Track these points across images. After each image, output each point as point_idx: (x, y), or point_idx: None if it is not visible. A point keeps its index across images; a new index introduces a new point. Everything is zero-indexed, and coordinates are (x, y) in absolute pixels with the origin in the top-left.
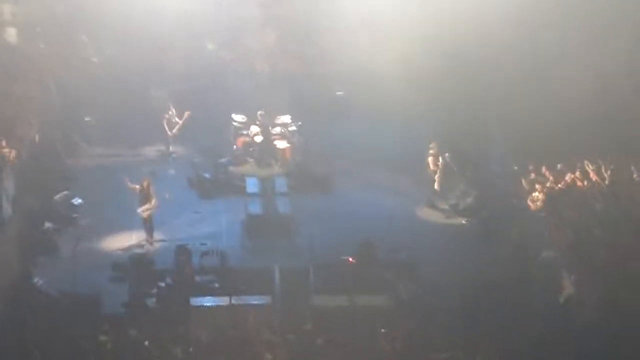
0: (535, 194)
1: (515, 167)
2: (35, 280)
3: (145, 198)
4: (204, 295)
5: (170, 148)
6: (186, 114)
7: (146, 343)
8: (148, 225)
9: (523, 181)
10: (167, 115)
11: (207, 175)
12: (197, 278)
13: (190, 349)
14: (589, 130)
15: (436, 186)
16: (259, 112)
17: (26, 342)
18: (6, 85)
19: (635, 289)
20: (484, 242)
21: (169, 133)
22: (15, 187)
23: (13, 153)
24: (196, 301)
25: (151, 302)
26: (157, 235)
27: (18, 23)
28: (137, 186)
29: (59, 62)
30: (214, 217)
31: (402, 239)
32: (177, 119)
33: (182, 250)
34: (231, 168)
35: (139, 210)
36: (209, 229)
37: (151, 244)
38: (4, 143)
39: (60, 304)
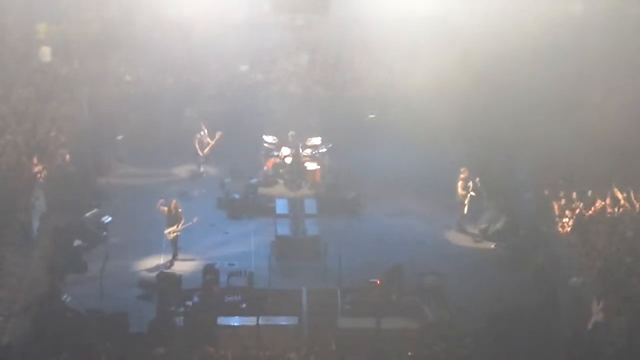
0: (565, 220)
1: (546, 192)
2: (64, 297)
3: (172, 219)
4: (232, 315)
5: (202, 168)
6: (218, 134)
7: None
8: (174, 247)
9: (553, 206)
10: (199, 135)
11: (236, 196)
12: (225, 298)
13: None
14: (619, 157)
15: (465, 210)
16: (290, 133)
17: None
18: (39, 104)
19: None
20: (513, 267)
21: (200, 153)
22: (45, 205)
23: (44, 171)
24: (223, 321)
25: (179, 320)
26: (185, 255)
27: (52, 42)
28: (166, 208)
29: (92, 81)
30: (242, 238)
31: (430, 262)
32: (208, 139)
33: (210, 270)
34: (261, 189)
35: (166, 232)
36: (237, 250)
37: (172, 264)
38: (35, 161)
39: (88, 322)
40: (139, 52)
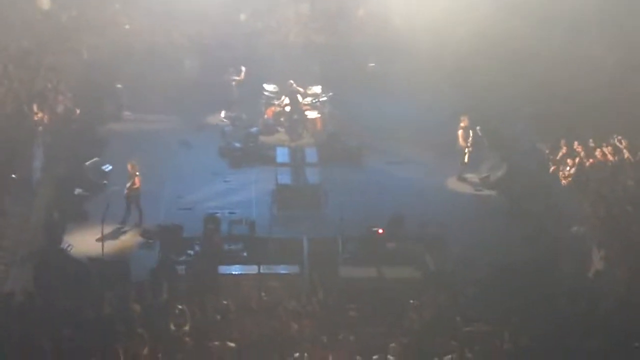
0: (567, 168)
1: (547, 141)
2: (65, 245)
3: (130, 179)
4: (233, 263)
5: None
6: (243, 70)
7: (179, 307)
8: (128, 208)
9: (554, 155)
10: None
11: (237, 145)
12: (226, 246)
13: (218, 317)
14: (621, 106)
15: (466, 159)
16: (289, 82)
17: (55, 307)
18: (39, 52)
19: None
20: (514, 216)
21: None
22: (46, 153)
23: (45, 119)
24: (224, 269)
25: (180, 269)
26: (186, 204)
27: None
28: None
29: (91, 30)
30: (243, 187)
31: (431, 211)
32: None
33: (211, 219)
34: (261, 137)
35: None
36: (238, 198)
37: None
38: (35, 109)
39: (89, 270)
40: (139, 2)
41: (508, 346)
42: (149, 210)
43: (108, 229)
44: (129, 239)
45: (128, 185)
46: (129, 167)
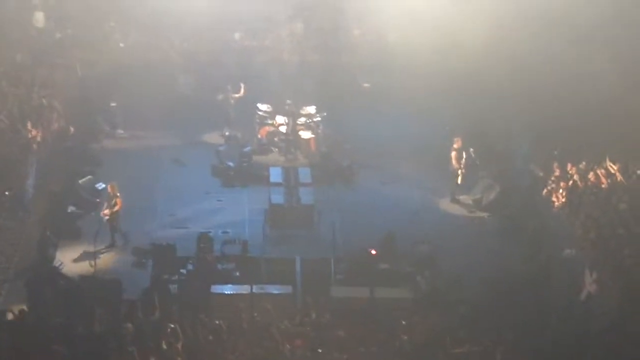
0: (560, 191)
1: (540, 163)
2: (57, 263)
3: (110, 202)
4: (225, 283)
5: (227, 132)
6: (242, 86)
7: (171, 326)
8: (111, 231)
9: (547, 177)
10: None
11: (230, 164)
12: (219, 266)
13: (210, 337)
14: (613, 129)
15: (459, 180)
16: (287, 102)
17: (47, 324)
18: (32, 70)
19: None
20: (506, 238)
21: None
22: (39, 171)
23: (38, 136)
24: (217, 289)
25: (172, 288)
26: (179, 223)
27: (46, 7)
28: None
29: (85, 47)
30: (236, 206)
31: (424, 232)
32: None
33: (204, 238)
34: (255, 157)
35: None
36: (231, 218)
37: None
38: (29, 126)
39: (81, 288)
40: (133, 19)
41: None
42: (141, 228)
43: (100, 247)
44: (120, 258)
45: (109, 208)
46: (109, 188)
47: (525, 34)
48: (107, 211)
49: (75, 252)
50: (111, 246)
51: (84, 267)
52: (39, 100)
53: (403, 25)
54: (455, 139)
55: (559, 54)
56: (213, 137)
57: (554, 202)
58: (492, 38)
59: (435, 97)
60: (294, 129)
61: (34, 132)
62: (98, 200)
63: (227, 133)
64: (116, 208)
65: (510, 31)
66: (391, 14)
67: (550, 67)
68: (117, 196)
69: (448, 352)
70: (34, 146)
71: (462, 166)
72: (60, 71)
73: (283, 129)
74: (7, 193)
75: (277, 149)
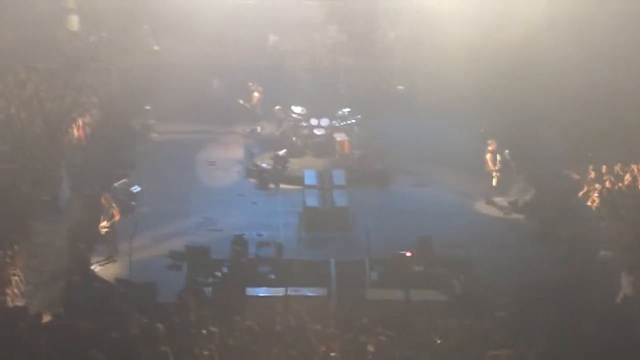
0: (595, 193)
1: (574, 167)
2: (93, 266)
3: (106, 214)
4: (260, 285)
5: (259, 128)
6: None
7: (204, 331)
8: (107, 244)
9: (582, 180)
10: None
11: (265, 166)
12: (253, 269)
13: (244, 340)
14: None
15: (494, 183)
16: (321, 104)
17: (82, 328)
18: (67, 74)
19: None
20: (542, 240)
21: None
22: (74, 174)
23: (74, 140)
24: (251, 291)
25: (207, 291)
26: (214, 226)
27: (81, 11)
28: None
29: (120, 51)
30: (271, 208)
31: (459, 235)
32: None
33: (239, 241)
34: (290, 160)
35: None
36: (266, 220)
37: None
38: (64, 130)
39: (116, 291)
40: (167, 23)
41: None
42: (175, 230)
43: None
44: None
45: (107, 220)
46: (102, 201)
47: (559, 37)
48: (105, 224)
49: (110, 254)
50: (111, 257)
51: (119, 270)
52: (75, 105)
53: (438, 28)
54: (490, 141)
55: (594, 57)
56: (247, 140)
57: (589, 205)
58: (527, 40)
59: (470, 99)
60: (328, 131)
61: (69, 136)
62: (133, 203)
63: (253, 134)
64: (115, 218)
65: (544, 34)
66: (426, 15)
67: (585, 70)
68: (113, 207)
69: (483, 356)
70: (69, 150)
71: (497, 168)
72: (95, 74)
73: (317, 131)
74: (45, 198)
75: (311, 152)
